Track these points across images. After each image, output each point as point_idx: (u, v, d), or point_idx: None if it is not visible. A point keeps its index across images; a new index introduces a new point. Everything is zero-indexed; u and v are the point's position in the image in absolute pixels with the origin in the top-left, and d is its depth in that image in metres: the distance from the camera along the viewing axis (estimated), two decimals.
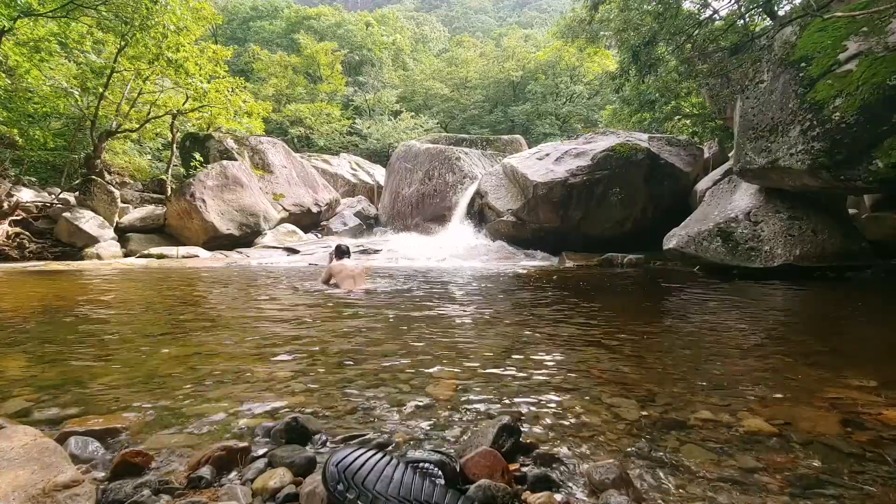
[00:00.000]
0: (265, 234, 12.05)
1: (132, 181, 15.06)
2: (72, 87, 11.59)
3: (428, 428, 1.48)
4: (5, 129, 10.95)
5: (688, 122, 12.55)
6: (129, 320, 3.47)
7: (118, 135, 12.57)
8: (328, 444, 1.37)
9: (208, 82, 11.97)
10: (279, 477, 1.13)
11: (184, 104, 12.40)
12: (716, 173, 9.43)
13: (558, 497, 1.09)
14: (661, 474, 1.22)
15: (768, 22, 8.52)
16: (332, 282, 4.96)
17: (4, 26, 9.06)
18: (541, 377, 2.01)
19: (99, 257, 9.41)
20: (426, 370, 2.09)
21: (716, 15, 7.46)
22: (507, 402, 1.72)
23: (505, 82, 31.56)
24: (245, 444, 1.30)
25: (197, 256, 9.95)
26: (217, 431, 1.44)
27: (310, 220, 14.19)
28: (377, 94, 30.38)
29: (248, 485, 1.13)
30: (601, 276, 6.99)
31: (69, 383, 1.87)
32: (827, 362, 2.34)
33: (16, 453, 1.09)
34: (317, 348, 2.48)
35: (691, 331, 3.15)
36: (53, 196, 11.57)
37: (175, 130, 13.06)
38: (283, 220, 13.07)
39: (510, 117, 30.02)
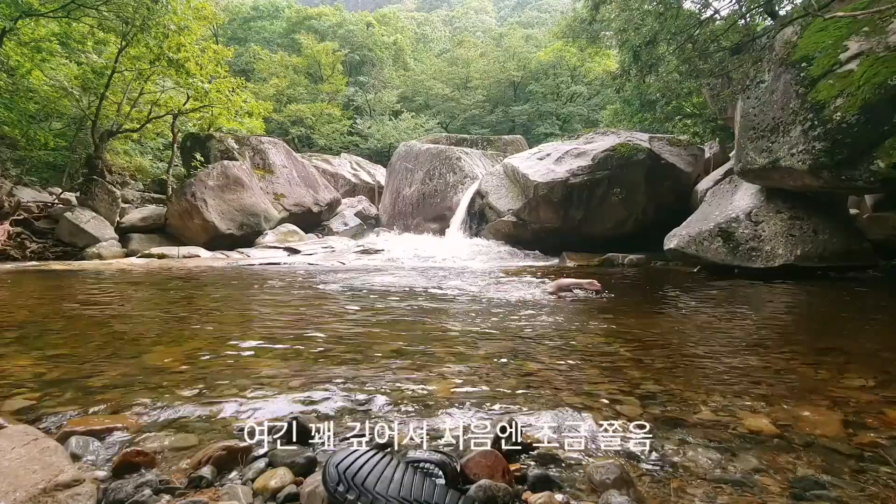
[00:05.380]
0: (266, 233, 12.06)
1: (133, 181, 15.08)
2: (73, 88, 11.61)
3: (428, 427, 1.48)
4: (7, 129, 10.97)
5: (689, 122, 12.51)
6: (130, 319, 3.47)
7: (119, 135, 12.59)
8: (329, 443, 1.37)
9: (209, 82, 11.98)
10: (280, 477, 1.13)
11: (185, 104, 12.41)
12: (717, 173, 9.42)
13: (559, 497, 1.09)
14: (662, 474, 1.22)
15: (769, 22, 8.50)
16: None
17: (6, 26, 9.08)
18: (541, 376, 2.01)
19: (100, 257, 9.42)
20: (427, 369, 2.09)
21: (717, 15, 7.43)
22: (507, 401, 1.72)
23: (506, 82, 31.52)
24: (246, 443, 1.30)
25: (198, 256, 9.95)
26: (218, 431, 1.44)
27: (310, 220, 14.18)
28: (378, 94, 30.37)
29: (248, 484, 1.13)
30: (602, 275, 6.97)
31: (70, 383, 1.88)
32: (828, 362, 2.33)
33: (17, 453, 1.09)
34: (317, 348, 2.48)
35: (692, 330, 3.15)
36: (55, 196, 11.59)
37: (176, 130, 13.06)
38: (283, 220, 13.08)
39: (511, 117, 29.98)
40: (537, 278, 6.22)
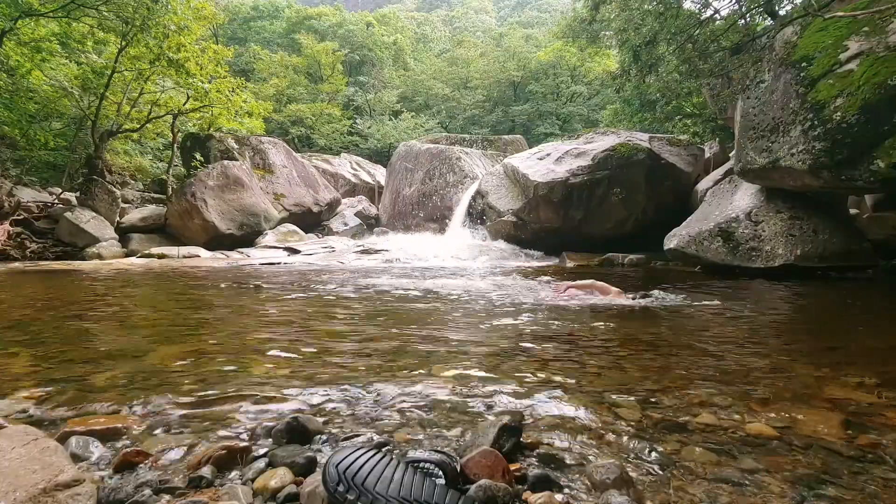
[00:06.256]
0: (266, 233, 12.05)
1: (133, 181, 15.09)
2: (73, 88, 11.62)
3: (428, 427, 1.48)
4: (7, 129, 10.98)
5: (689, 122, 12.52)
6: (130, 319, 3.47)
7: (119, 135, 12.60)
8: (329, 443, 1.37)
9: (209, 82, 11.98)
10: (280, 477, 1.13)
11: (185, 104, 12.41)
12: (717, 173, 9.43)
13: (559, 497, 1.09)
14: (662, 475, 1.22)
15: (769, 22, 8.51)
16: None
17: (6, 26, 9.09)
18: (541, 376, 2.01)
19: (100, 257, 9.42)
20: (426, 369, 2.09)
21: (717, 15, 7.44)
22: (507, 401, 1.72)
23: (505, 82, 31.52)
24: (246, 443, 1.30)
25: (198, 256, 9.95)
26: (218, 430, 1.44)
27: (310, 220, 14.18)
28: (378, 94, 30.39)
29: (248, 484, 1.13)
30: (602, 275, 6.97)
31: (70, 382, 1.88)
32: (828, 362, 2.33)
33: (17, 453, 1.09)
34: (317, 347, 2.48)
35: (692, 331, 3.15)
36: (55, 196, 11.60)
37: (176, 130, 13.07)
38: (283, 220, 13.07)
39: (511, 117, 29.99)
40: (538, 278, 6.23)
